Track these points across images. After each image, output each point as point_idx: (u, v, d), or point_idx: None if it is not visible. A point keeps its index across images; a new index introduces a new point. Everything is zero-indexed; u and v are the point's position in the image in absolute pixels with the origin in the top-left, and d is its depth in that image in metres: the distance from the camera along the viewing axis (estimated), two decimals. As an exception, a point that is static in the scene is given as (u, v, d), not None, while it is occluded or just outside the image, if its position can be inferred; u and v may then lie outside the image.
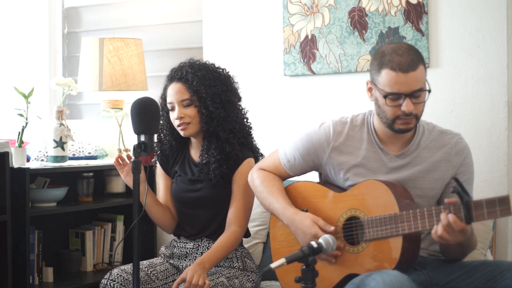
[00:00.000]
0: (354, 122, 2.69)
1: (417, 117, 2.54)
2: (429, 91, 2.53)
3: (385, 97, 2.50)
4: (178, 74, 2.98)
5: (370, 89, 2.60)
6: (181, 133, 2.99)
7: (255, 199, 2.96)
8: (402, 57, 2.47)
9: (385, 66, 2.49)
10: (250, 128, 3.10)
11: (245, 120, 3.08)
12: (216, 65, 3.07)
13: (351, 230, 2.56)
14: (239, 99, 3.08)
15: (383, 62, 2.49)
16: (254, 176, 2.83)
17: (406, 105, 2.48)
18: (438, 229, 2.33)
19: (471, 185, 2.65)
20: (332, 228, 2.54)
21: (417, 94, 2.49)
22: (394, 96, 2.49)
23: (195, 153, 3.07)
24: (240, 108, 3.08)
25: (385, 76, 2.49)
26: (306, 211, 2.63)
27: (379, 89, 2.51)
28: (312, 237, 2.53)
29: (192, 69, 2.97)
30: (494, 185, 3.14)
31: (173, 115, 2.98)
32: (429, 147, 2.62)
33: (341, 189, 2.65)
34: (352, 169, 2.64)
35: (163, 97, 3.03)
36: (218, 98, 2.96)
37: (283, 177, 2.82)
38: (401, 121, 2.52)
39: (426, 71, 2.54)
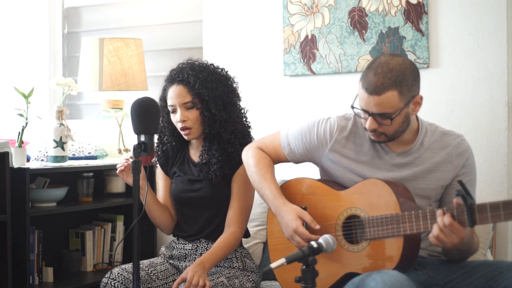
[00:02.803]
0: (357, 119, 2.69)
1: (386, 135, 2.54)
2: (391, 119, 2.48)
3: (352, 107, 2.55)
4: (179, 77, 2.96)
5: None
6: (185, 137, 2.99)
7: (255, 196, 2.98)
8: (375, 78, 2.47)
9: (361, 79, 2.52)
10: (249, 127, 3.11)
11: (244, 119, 3.08)
12: (215, 65, 3.06)
13: (350, 229, 2.56)
14: (239, 99, 3.08)
15: (363, 74, 2.53)
16: (249, 154, 2.82)
17: (367, 123, 2.52)
18: (433, 230, 2.33)
19: (473, 186, 2.64)
20: (317, 226, 2.54)
21: (381, 116, 2.49)
22: (363, 110, 2.52)
23: (194, 153, 3.07)
24: (240, 108, 3.08)
25: (359, 89, 2.52)
26: (305, 208, 2.63)
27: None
28: (292, 231, 2.55)
29: (194, 71, 2.96)
30: (494, 185, 3.14)
31: (174, 118, 2.98)
32: (431, 148, 2.62)
33: (342, 187, 2.65)
34: (353, 165, 2.64)
35: (163, 98, 3.02)
36: (220, 100, 2.96)
37: (280, 160, 2.81)
38: (371, 133, 2.56)
39: (404, 96, 2.47)
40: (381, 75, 2.46)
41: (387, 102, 2.46)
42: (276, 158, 2.81)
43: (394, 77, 2.46)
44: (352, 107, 2.55)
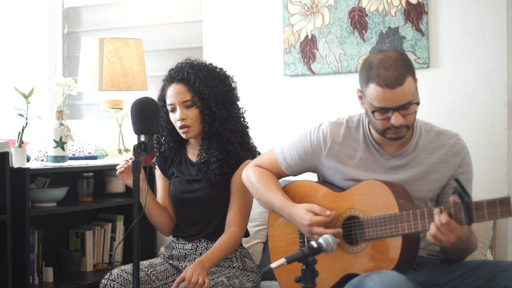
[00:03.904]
0: (350, 123, 2.68)
1: (408, 127, 2.52)
2: (418, 103, 2.49)
3: (373, 112, 2.49)
4: (178, 75, 2.97)
5: (360, 97, 2.59)
6: (183, 136, 2.99)
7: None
8: (389, 72, 2.43)
9: (372, 81, 2.46)
10: (247, 127, 3.11)
11: (242, 119, 3.09)
12: (214, 65, 3.07)
13: (350, 230, 2.56)
14: (238, 98, 3.08)
15: (370, 76, 2.47)
16: (249, 173, 2.81)
17: (395, 119, 2.47)
18: (431, 229, 2.33)
19: (470, 185, 2.64)
20: (328, 212, 2.54)
21: (406, 107, 2.47)
22: (382, 110, 2.48)
23: (192, 153, 3.07)
24: (239, 107, 3.08)
25: (372, 91, 2.46)
26: None
27: (367, 102, 2.51)
28: (307, 225, 2.54)
29: (193, 70, 2.96)
30: (494, 185, 3.14)
31: (174, 116, 2.98)
32: (427, 148, 2.61)
33: (340, 189, 2.64)
34: (348, 170, 2.63)
35: (162, 98, 3.03)
36: (220, 99, 2.96)
37: (279, 175, 2.81)
38: (392, 131, 2.51)
39: (415, 81, 2.50)
40: (393, 67, 2.44)
41: (408, 89, 2.46)
42: (275, 174, 2.80)
43: (403, 64, 2.47)
44: (373, 112, 2.48)
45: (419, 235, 2.47)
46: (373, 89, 2.46)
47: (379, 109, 2.47)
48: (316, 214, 2.55)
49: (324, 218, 2.53)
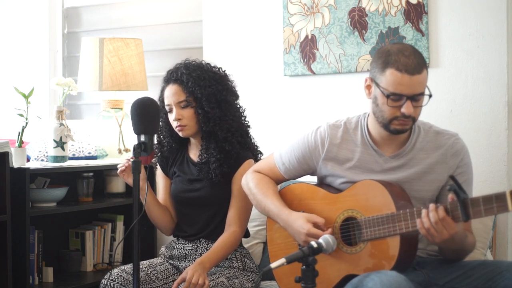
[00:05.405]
0: (348, 125, 2.68)
1: (414, 120, 2.53)
2: (430, 96, 2.52)
3: (387, 96, 2.49)
4: (173, 76, 2.99)
5: (368, 87, 2.59)
6: (180, 133, 3.00)
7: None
8: (408, 59, 2.46)
9: (390, 66, 2.47)
10: (248, 126, 3.11)
11: (243, 118, 3.09)
12: (212, 65, 3.07)
13: (348, 231, 2.56)
14: (237, 97, 3.08)
15: (389, 62, 2.48)
16: (248, 178, 2.82)
17: (406, 107, 2.47)
18: (424, 223, 2.32)
19: (470, 185, 2.64)
20: (329, 230, 2.54)
21: (418, 98, 2.49)
22: (395, 97, 2.48)
23: (194, 153, 3.08)
24: (238, 106, 3.08)
25: (390, 76, 2.47)
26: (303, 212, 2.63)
27: (381, 88, 2.50)
28: (305, 235, 2.54)
29: (187, 70, 2.97)
30: (494, 185, 3.14)
31: (171, 117, 2.99)
32: (425, 148, 2.61)
33: (338, 190, 2.64)
34: (347, 171, 2.63)
35: (161, 99, 3.04)
36: (213, 98, 2.97)
37: (278, 180, 2.81)
38: (398, 122, 2.51)
39: (427, 76, 2.53)
40: (412, 56, 2.47)
41: (424, 79, 2.50)
42: (274, 179, 2.81)
43: (421, 56, 2.51)
44: (387, 97, 2.48)
45: (417, 233, 2.47)
46: (391, 73, 2.47)
47: (393, 94, 2.48)
48: (315, 224, 2.55)
49: (323, 234, 2.51)
